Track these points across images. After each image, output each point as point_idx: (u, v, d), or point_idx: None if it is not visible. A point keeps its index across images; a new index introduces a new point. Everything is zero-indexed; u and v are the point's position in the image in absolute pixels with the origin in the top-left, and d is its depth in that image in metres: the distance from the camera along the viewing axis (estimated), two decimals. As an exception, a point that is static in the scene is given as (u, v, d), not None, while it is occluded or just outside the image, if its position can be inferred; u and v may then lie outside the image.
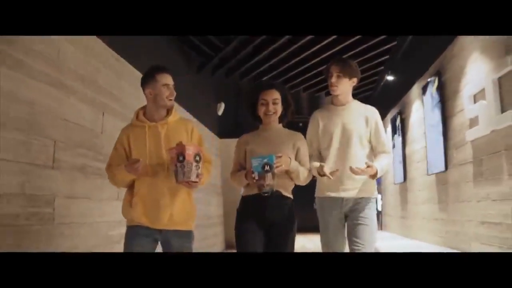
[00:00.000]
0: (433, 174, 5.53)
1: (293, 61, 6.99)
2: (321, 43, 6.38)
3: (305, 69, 7.57)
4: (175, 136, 2.26)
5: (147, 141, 2.25)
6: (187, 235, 2.29)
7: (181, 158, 2.11)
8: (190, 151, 2.12)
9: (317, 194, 2.57)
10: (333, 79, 2.48)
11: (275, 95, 2.45)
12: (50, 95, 2.83)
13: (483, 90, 3.84)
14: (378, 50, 7.00)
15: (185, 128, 2.34)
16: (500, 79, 3.54)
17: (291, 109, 2.53)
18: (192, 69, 6.52)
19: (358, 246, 2.42)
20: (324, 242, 2.52)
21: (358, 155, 2.45)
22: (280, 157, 2.29)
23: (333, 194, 2.47)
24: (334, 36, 5.98)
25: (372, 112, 2.53)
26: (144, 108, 2.36)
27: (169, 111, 2.35)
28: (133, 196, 2.25)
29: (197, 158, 2.14)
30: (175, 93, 2.32)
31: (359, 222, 2.43)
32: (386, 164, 2.46)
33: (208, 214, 6.93)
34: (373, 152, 2.53)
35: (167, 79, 2.30)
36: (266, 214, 2.35)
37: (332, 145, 2.49)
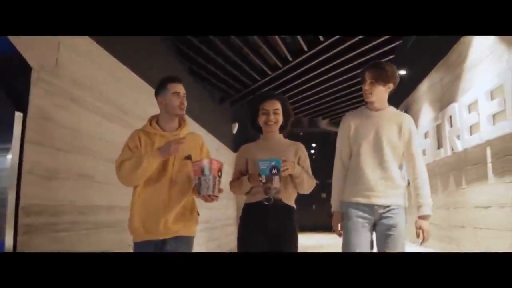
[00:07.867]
0: (402, 186, 7.17)
1: (295, 97, 8.48)
2: (323, 85, 7.68)
3: (306, 103, 8.95)
4: (186, 149, 2.22)
5: None
6: (187, 240, 2.24)
7: (207, 172, 2.09)
8: (215, 166, 2.11)
9: (344, 198, 2.41)
10: (367, 86, 2.38)
11: (276, 105, 2.43)
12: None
13: (429, 131, 5.48)
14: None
15: (195, 142, 2.32)
16: (437, 127, 5.16)
17: (292, 120, 2.52)
18: (214, 99, 8.20)
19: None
20: (346, 246, 2.34)
21: (390, 163, 2.35)
22: (285, 161, 2.29)
23: (363, 201, 2.33)
24: (339, 79, 7.35)
25: (406, 120, 2.41)
26: (157, 116, 2.34)
27: (181, 123, 2.32)
28: (132, 207, 2.21)
29: (220, 173, 2.13)
30: (186, 102, 2.27)
31: (390, 232, 2.30)
32: (426, 190, 2.44)
33: (226, 216, 8.64)
34: (404, 161, 2.43)
35: (177, 88, 2.26)
36: (268, 224, 2.32)
37: (363, 151, 2.37)
